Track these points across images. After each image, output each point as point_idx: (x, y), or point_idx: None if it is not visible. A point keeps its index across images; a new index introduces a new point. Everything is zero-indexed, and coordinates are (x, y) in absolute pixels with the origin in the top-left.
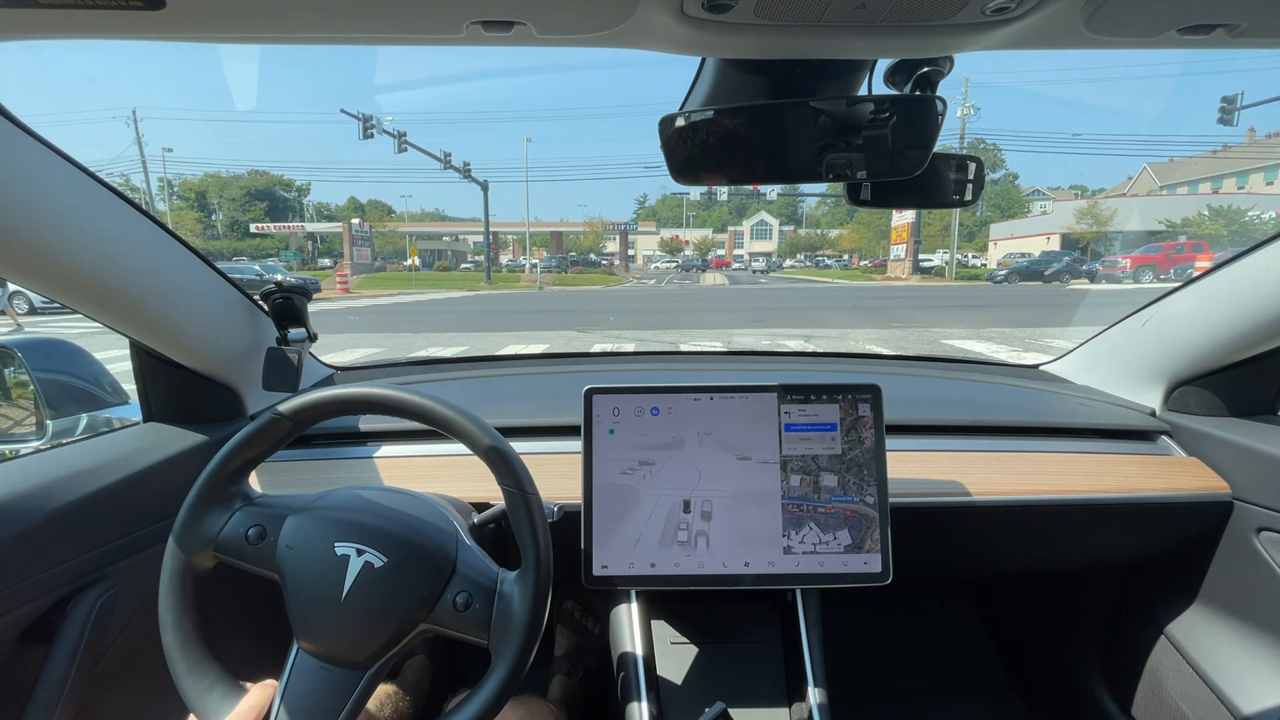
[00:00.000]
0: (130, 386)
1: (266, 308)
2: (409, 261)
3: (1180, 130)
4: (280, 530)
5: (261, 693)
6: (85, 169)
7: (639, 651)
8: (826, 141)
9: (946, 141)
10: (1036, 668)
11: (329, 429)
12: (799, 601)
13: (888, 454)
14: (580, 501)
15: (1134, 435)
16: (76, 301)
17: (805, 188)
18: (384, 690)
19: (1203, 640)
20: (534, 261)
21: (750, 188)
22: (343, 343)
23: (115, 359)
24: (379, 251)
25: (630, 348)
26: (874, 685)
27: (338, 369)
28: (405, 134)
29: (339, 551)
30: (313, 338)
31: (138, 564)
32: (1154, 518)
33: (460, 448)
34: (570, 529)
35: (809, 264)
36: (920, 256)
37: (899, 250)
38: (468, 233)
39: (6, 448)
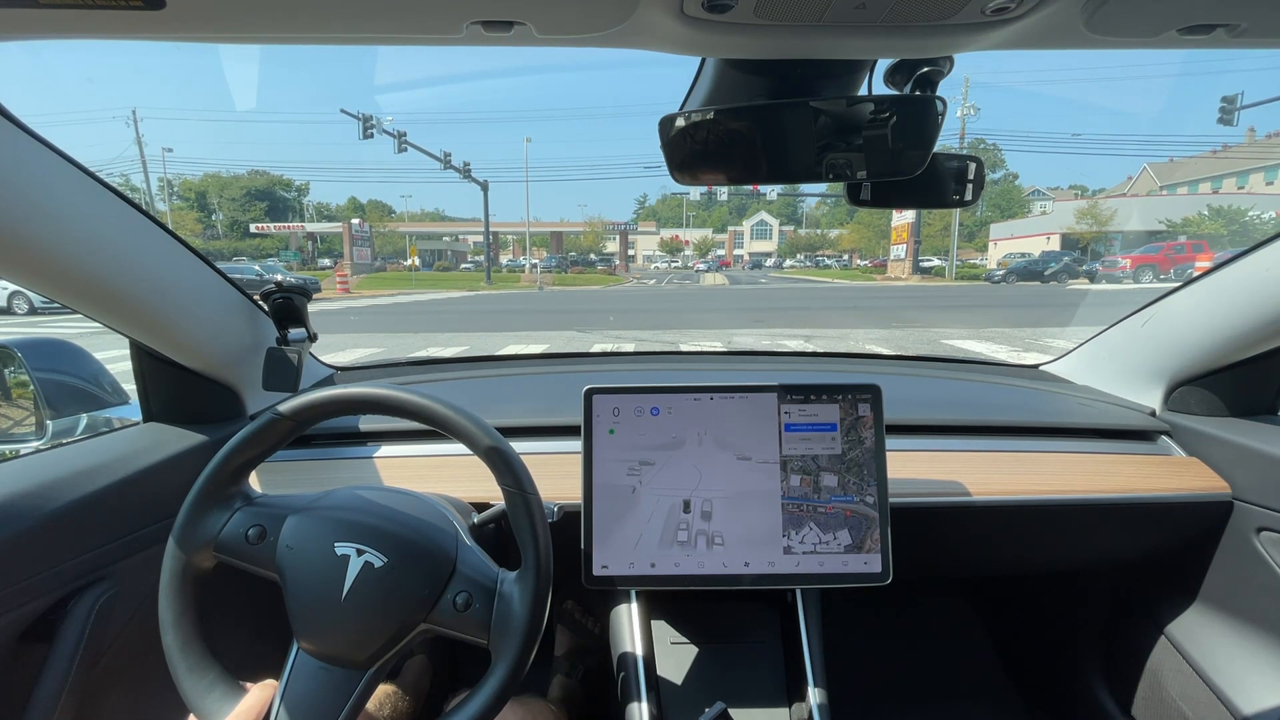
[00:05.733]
0: (130, 386)
1: (266, 308)
2: (409, 261)
3: (1180, 130)
4: (280, 530)
5: (261, 693)
6: (85, 169)
7: (639, 651)
8: (826, 141)
9: (946, 141)
10: (1036, 668)
11: (329, 429)
12: (799, 601)
13: (888, 454)
14: (580, 501)
15: (1134, 435)
16: (76, 301)
17: (805, 188)
18: (384, 690)
19: (1203, 640)
20: (534, 261)
21: (750, 188)
22: (343, 343)
23: (115, 359)
24: (379, 251)
25: (630, 348)
26: (874, 685)
27: (338, 369)
28: (405, 134)
29: (339, 551)
30: (313, 338)
31: (138, 564)
32: (1154, 518)
33: (460, 448)
34: (570, 529)
35: (809, 264)
36: (919, 258)
37: (899, 250)
38: (468, 233)
39: (6, 448)
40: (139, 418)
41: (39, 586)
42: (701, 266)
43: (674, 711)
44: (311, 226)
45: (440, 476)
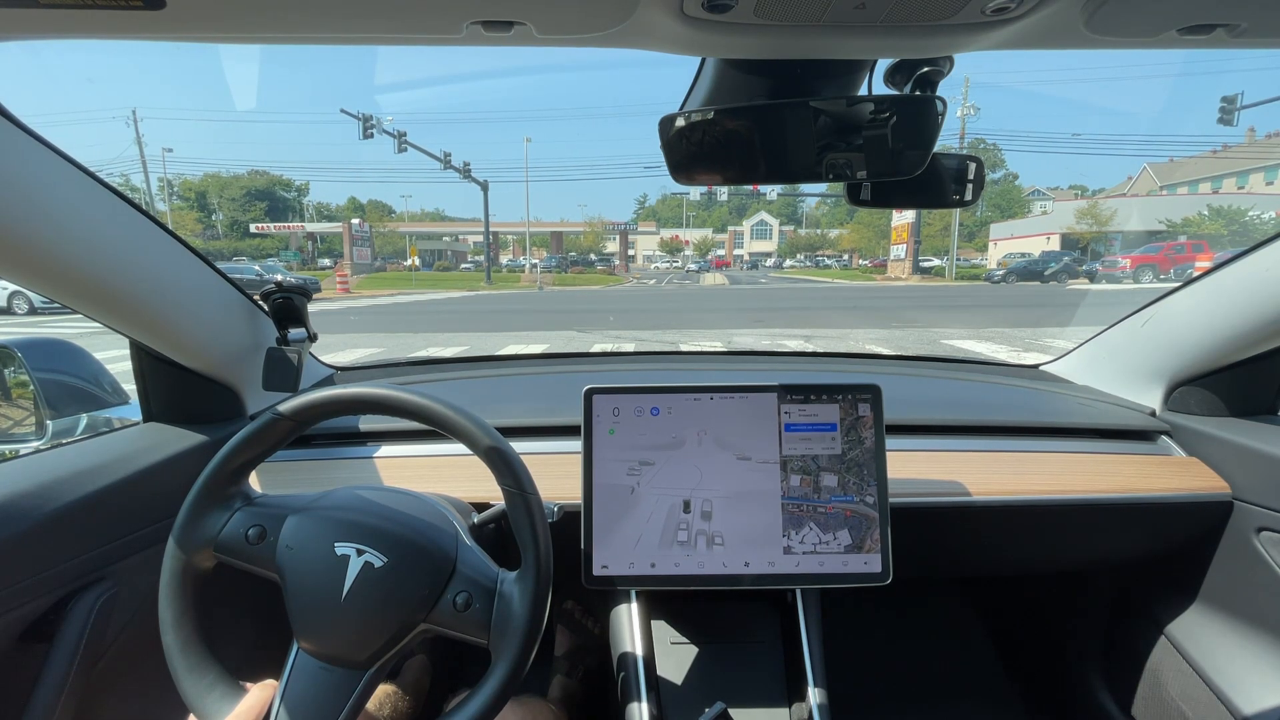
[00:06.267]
0: (130, 386)
1: (266, 308)
2: (409, 261)
3: (1180, 130)
4: (280, 530)
5: (261, 693)
6: (85, 169)
7: (639, 651)
8: (826, 141)
9: (946, 141)
10: (1036, 668)
11: (329, 429)
12: (799, 601)
13: (888, 454)
14: (580, 501)
15: (1134, 435)
16: (76, 301)
17: (805, 188)
18: (384, 690)
19: (1203, 640)
20: (534, 261)
21: (750, 188)
22: (343, 343)
23: (115, 359)
24: (379, 251)
25: (630, 348)
26: (874, 685)
27: (338, 369)
28: (405, 134)
29: (339, 551)
30: (313, 338)
31: (138, 564)
32: (1154, 518)
33: (460, 448)
34: (570, 529)
35: (809, 264)
36: (919, 258)
37: (899, 250)
38: (468, 233)
39: (6, 448)
40: (139, 418)
41: (39, 586)
42: (693, 267)
43: (674, 711)
44: (311, 226)
45: (440, 476)
